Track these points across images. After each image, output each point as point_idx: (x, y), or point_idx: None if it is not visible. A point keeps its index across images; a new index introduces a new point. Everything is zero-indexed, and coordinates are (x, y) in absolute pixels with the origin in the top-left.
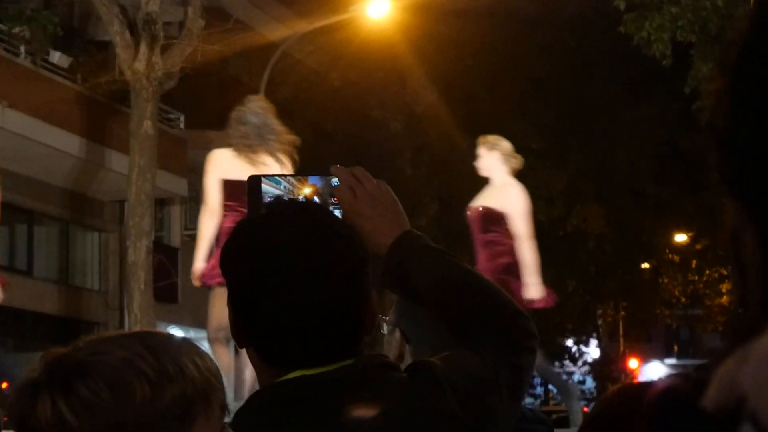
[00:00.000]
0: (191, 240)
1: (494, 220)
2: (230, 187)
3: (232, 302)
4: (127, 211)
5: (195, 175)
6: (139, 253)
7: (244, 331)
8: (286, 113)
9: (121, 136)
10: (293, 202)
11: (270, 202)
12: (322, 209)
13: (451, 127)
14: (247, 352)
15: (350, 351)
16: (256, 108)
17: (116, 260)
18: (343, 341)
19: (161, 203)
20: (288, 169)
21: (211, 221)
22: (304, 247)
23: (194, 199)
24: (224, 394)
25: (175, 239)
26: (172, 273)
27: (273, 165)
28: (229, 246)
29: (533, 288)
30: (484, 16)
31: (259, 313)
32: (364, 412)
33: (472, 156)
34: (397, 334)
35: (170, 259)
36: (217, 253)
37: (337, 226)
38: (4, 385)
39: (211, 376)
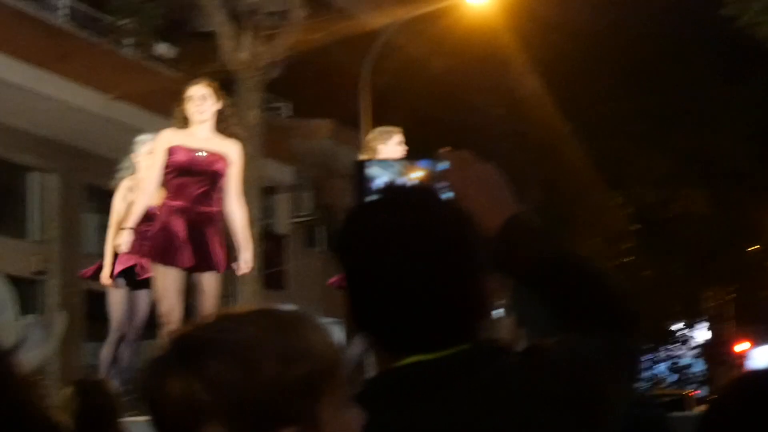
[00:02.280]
0: (298, 227)
1: None
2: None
3: (349, 288)
4: None
5: (300, 162)
6: None
7: (361, 317)
8: (388, 100)
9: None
10: (404, 186)
11: (383, 187)
12: (434, 194)
13: (554, 112)
14: (365, 337)
15: (466, 335)
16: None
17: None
18: (459, 326)
19: (268, 191)
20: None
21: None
22: (417, 231)
23: (300, 187)
24: (347, 369)
25: (282, 227)
26: (280, 260)
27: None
28: (344, 232)
29: None
30: (585, 1)
31: (374, 299)
32: (478, 396)
33: (575, 141)
34: (511, 318)
35: (277, 246)
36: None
37: (450, 210)
38: None
39: (336, 351)
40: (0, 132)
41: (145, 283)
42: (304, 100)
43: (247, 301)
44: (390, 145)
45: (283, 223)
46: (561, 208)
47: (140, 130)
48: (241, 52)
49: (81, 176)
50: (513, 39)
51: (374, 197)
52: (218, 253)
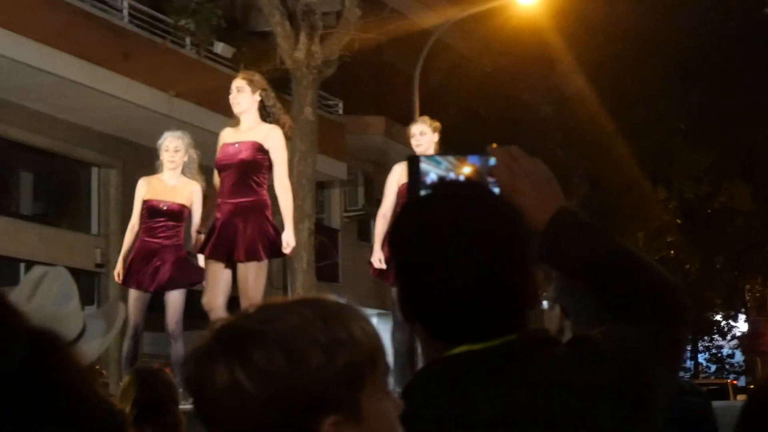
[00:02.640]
0: (351, 221)
1: None
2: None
3: (401, 279)
4: None
5: (353, 158)
6: (302, 234)
7: (412, 308)
8: (439, 97)
9: None
10: (456, 182)
11: (434, 183)
12: (483, 188)
13: (600, 110)
14: (414, 328)
15: (514, 325)
16: None
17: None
18: (507, 316)
19: (321, 186)
20: None
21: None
22: (469, 225)
23: (353, 182)
24: (388, 358)
25: (336, 221)
26: (333, 253)
27: None
28: (397, 226)
29: None
30: (631, 1)
31: (425, 289)
32: (527, 385)
33: (620, 138)
34: (557, 309)
35: (331, 239)
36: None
37: (499, 204)
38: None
39: (377, 341)
40: (64, 129)
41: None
42: (357, 97)
43: (301, 292)
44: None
45: (336, 218)
46: (606, 203)
47: (199, 127)
48: (297, 51)
49: (141, 171)
50: (560, 39)
51: (427, 192)
52: (251, 242)
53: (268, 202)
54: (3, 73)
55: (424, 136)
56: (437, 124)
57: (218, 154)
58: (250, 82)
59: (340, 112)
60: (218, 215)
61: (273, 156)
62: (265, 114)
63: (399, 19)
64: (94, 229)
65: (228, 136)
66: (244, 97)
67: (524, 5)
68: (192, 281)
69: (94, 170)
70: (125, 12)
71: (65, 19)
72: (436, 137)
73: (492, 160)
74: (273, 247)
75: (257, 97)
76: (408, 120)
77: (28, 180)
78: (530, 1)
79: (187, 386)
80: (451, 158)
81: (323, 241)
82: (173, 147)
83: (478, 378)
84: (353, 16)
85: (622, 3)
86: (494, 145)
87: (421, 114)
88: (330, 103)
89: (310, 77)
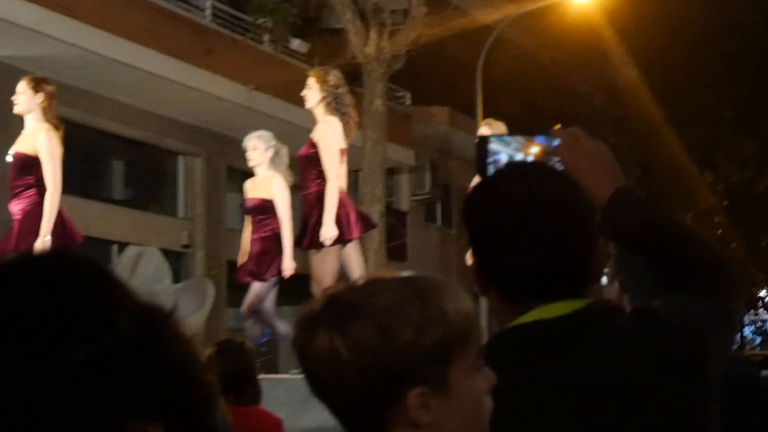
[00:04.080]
0: (418, 204)
1: None
2: None
3: (477, 249)
4: (361, 179)
5: (420, 146)
6: (373, 217)
7: (486, 274)
8: (499, 89)
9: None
10: (525, 161)
11: (506, 162)
12: (550, 167)
13: (650, 100)
14: (489, 298)
15: (579, 288)
16: None
17: None
18: (574, 279)
19: (391, 172)
20: None
21: None
22: (539, 196)
23: (420, 168)
24: (480, 335)
25: (404, 204)
26: (402, 234)
27: None
28: (472, 199)
29: None
30: None
31: (500, 254)
32: (596, 352)
33: (669, 126)
34: (616, 284)
35: (400, 221)
36: None
37: (566, 180)
38: None
39: (469, 319)
40: (152, 120)
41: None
42: (423, 89)
43: (372, 270)
44: None
45: (404, 201)
46: (656, 187)
47: (276, 118)
48: (367, 46)
49: (223, 159)
50: (613, 33)
51: (497, 170)
52: (311, 232)
53: (316, 195)
54: (95, 69)
55: None
56: (501, 127)
57: None
58: (317, 79)
59: (408, 103)
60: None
61: (319, 148)
62: (336, 109)
63: (462, 15)
64: (181, 212)
65: None
66: (310, 93)
67: (579, 2)
68: (264, 277)
69: (180, 158)
70: (208, 11)
71: (152, 18)
72: None
73: (556, 141)
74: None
75: (322, 94)
76: (471, 110)
77: (119, 168)
78: None
79: (294, 348)
80: (519, 138)
81: (393, 222)
82: (250, 146)
83: (550, 345)
84: (419, 13)
85: (670, 1)
86: (558, 126)
87: (484, 104)
88: (398, 94)
89: (380, 71)
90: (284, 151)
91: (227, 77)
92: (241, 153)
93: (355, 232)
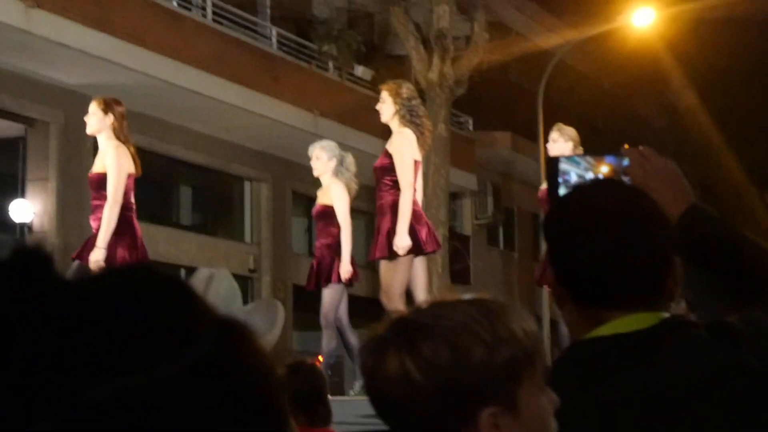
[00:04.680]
0: (481, 228)
1: None
2: None
3: (556, 261)
4: (425, 203)
5: (482, 170)
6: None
7: (564, 285)
8: (561, 112)
9: None
10: (604, 179)
11: (588, 181)
12: (629, 186)
13: (710, 122)
14: (565, 310)
15: (656, 302)
16: None
17: None
18: (651, 289)
19: (454, 196)
20: None
21: None
22: (618, 206)
23: (482, 192)
24: (546, 356)
25: (467, 228)
26: (465, 257)
27: None
28: (554, 213)
29: None
30: (740, 22)
31: (578, 260)
32: (672, 366)
33: (729, 147)
34: (683, 303)
35: (463, 245)
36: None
37: (644, 194)
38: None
39: (536, 339)
40: (220, 146)
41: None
42: (485, 114)
43: (436, 293)
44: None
45: (467, 225)
46: (717, 208)
47: (341, 144)
48: (430, 72)
49: (288, 184)
50: (673, 57)
51: (570, 188)
52: (381, 241)
53: (390, 203)
54: (165, 97)
55: (555, 143)
56: (570, 132)
57: None
58: (390, 93)
59: (470, 127)
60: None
61: (393, 159)
62: (411, 120)
63: (523, 41)
64: (247, 237)
65: None
66: (383, 107)
67: (639, 27)
68: (323, 283)
69: (247, 184)
70: (274, 39)
71: (219, 46)
72: (569, 145)
73: (626, 161)
74: (386, 247)
75: (395, 107)
76: (532, 134)
77: (187, 193)
78: (644, 23)
79: (362, 372)
80: (589, 158)
81: (456, 246)
82: (314, 156)
83: (627, 359)
84: (482, 40)
85: (732, 24)
86: (626, 146)
87: (545, 129)
88: (461, 119)
89: (443, 96)
90: (349, 159)
91: (293, 104)
92: (306, 177)
93: (429, 245)
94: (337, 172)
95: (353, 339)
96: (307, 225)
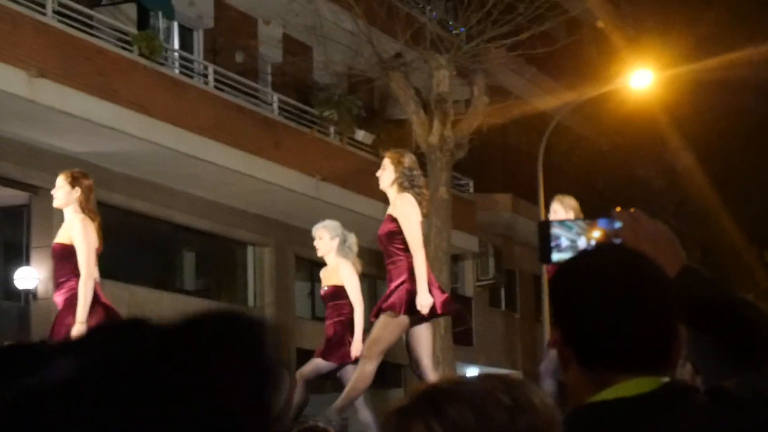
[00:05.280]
0: (482, 290)
1: None
2: None
3: (563, 321)
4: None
5: (484, 232)
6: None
7: (570, 347)
8: (560, 175)
9: None
10: (610, 244)
11: (599, 242)
12: (634, 251)
13: (708, 182)
14: (569, 375)
15: (661, 367)
16: None
17: None
18: (656, 354)
19: (455, 258)
20: None
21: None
22: (625, 271)
23: (484, 254)
24: (561, 429)
25: (468, 290)
26: (467, 319)
27: None
28: (560, 275)
29: None
30: (737, 84)
31: (585, 324)
32: (671, 429)
33: (728, 207)
34: (688, 366)
35: (465, 307)
36: None
37: (649, 258)
38: None
39: (555, 412)
40: (223, 212)
41: None
42: (486, 176)
43: (439, 354)
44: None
45: (469, 286)
46: (717, 268)
47: (343, 208)
48: (431, 136)
49: (291, 249)
50: (670, 118)
51: (583, 249)
52: (390, 298)
53: (407, 266)
54: (168, 163)
55: (556, 214)
56: (571, 202)
57: None
58: (392, 161)
59: (471, 190)
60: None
61: (400, 222)
62: (410, 187)
63: (522, 104)
64: (251, 301)
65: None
66: (384, 174)
67: (636, 89)
68: (331, 364)
69: (250, 248)
70: (275, 105)
71: (221, 112)
72: (570, 215)
73: (618, 223)
74: (409, 305)
75: (395, 174)
76: (533, 196)
77: (191, 258)
78: (642, 84)
79: None
80: (581, 222)
81: (458, 308)
82: (317, 236)
83: (630, 423)
84: (481, 103)
85: (728, 87)
86: (618, 209)
87: (546, 190)
88: (462, 182)
89: (444, 159)
90: (352, 239)
91: (295, 168)
92: (308, 242)
93: (441, 308)
94: (341, 252)
95: (366, 414)
96: (310, 289)
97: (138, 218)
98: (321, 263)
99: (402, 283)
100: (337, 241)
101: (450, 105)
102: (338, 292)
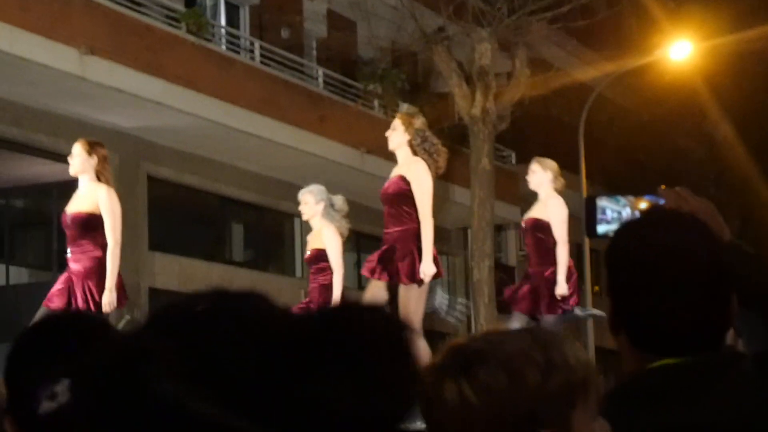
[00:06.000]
0: (525, 260)
1: (542, 228)
2: None
3: (615, 295)
4: (471, 236)
5: (526, 203)
6: (483, 272)
7: (621, 318)
8: (601, 146)
9: (462, 172)
10: (668, 210)
11: (651, 208)
12: (692, 217)
13: (748, 153)
14: (618, 341)
15: (711, 345)
16: None
17: (462, 279)
18: (707, 336)
19: (498, 229)
20: None
21: None
22: (681, 249)
23: None
24: (599, 386)
25: (512, 259)
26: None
27: None
28: (616, 243)
29: (561, 285)
30: None
31: (637, 303)
32: (721, 398)
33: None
34: (731, 330)
35: (508, 276)
36: None
37: (710, 233)
38: None
39: (589, 368)
40: (270, 184)
41: None
42: (527, 148)
43: (483, 323)
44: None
45: (512, 256)
46: (757, 238)
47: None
48: (473, 108)
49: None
50: (710, 89)
51: (645, 215)
52: (401, 267)
53: (415, 232)
54: (216, 138)
55: (534, 174)
56: (551, 164)
57: None
58: (402, 121)
59: (513, 161)
60: (384, 245)
61: (413, 187)
62: (425, 149)
63: (563, 76)
64: (298, 272)
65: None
66: (394, 135)
67: (676, 60)
68: None
69: (297, 220)
70: (320, 80)
71: (268, 88)
72: (548, 175)
73: (662, 201)
74: (415, 274)
75: (407, 136)
76: (574, 167)
77: (239, 231)
78: (681, 56)
79: (420, 401)
80: (630, 197)
81: (502, 277)
82: (302, 200)
83: (677, 391)
84: (523, 76)
85: (765, 59)
86: (663, 187)
87: (586, 161)
88: (504, 154)
89: (486, 131)
90: (339, 202)
91: (340, 141)
92: (354, 214)
93: (441, 272)
94: (326, 215)
95: None
96: (356, 259)
97: (187, 191)
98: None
99: (410, 252)
100: (322, 205)
101: (492, 78)
102: (321, 256)
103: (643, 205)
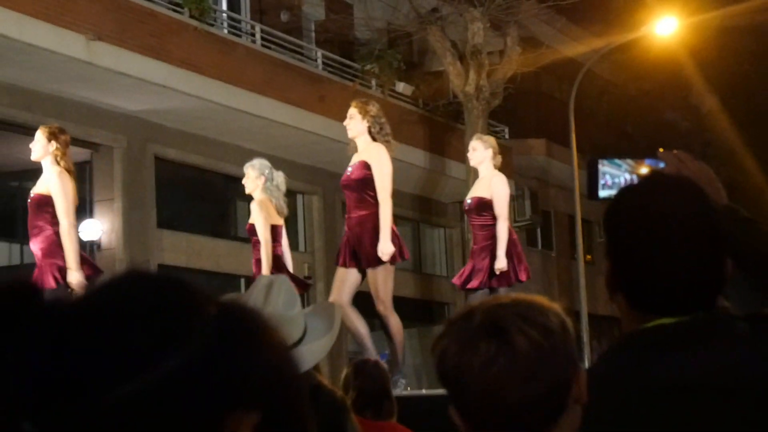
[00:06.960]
0: (519, 231)
1: (486, 206)
2: None
3: (612, 255)
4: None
5: (519, 176)
6: None
7: (619, 280)
8: (591, 120)
9: (458, 147)
10: (666, 175)
11: (650, 174)
12: (689, 182)
13: (733, 124)
14: (616, 302)
15: (706, 305)
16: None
17: (459, 251)
18: (701, 296)
19: None
20: None
21: None
22: (678, 212)
23: (520, 197)
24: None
25: None
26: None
27: None
28: (615, 207)
29: (501, 260)
30: (760, 29)
31: (635, 265)
32: (714, 356)
33: (753, 147)
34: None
35: None
36: None
37: (702, 196)
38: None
39: (567, 331)
40: (273, 163)
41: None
42: (520, 123)
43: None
44: None
45: None
46: (744, 204)
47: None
48: (467, 86)
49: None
50: (695, 63)
51: (644, 179)
52: (368, 251)
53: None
54: (219, 119)
55: (475, 151)
56: (490, 140)
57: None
58: (359, 110)
59: (507, 136)
60: (346, 229)
61: (374, 170)
62: (381, 135)
63: (553, 53)
64: (302, 247)
65: (351, 160)
66: (353, 123)
67: (662, 35)
68: None
69: (299, 197)
70: (319, 61)
71: (269, 69)
72: (489, 152)
73: (662, 164)
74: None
75: (366, 123)
76: (565, 141)
77: (243, 208)
78: (667, 31)
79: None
80: (629, 161)
81: None
82: (245, 174)
83: (673, 347)
84: (515, 54)
85: (752, 31)
86: (662, 150)
87: (577, 134)
88: (497, 129)
89: (480, 108)
90: (280, 178)
91: (340, 120)
92: None
93: (406, 253)
94: (265, 190)
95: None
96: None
97: (192, 171)
98: None
99: (373, 236)
100: (262, 179)
101: (485, 56)
102: (252, 231)
103: (644, 170)
